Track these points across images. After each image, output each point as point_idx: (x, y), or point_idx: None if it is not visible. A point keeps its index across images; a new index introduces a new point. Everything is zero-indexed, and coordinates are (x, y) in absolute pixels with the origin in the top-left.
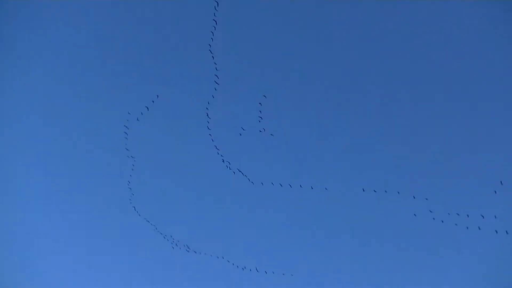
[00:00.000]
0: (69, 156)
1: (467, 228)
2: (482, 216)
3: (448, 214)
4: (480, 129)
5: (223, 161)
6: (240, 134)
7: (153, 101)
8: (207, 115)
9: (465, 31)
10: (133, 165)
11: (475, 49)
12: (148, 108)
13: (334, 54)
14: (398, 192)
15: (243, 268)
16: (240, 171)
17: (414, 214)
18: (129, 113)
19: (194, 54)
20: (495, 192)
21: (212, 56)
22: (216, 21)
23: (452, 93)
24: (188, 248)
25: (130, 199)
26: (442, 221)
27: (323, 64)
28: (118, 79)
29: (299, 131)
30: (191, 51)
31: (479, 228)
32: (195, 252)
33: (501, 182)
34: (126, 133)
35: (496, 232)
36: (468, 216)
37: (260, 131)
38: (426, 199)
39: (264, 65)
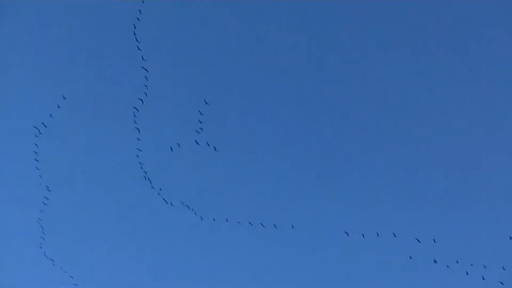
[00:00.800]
0: None
1: (483, 279)
2: (503, 268)
3: (457, 262)
4: (495, 165)
5: (152, 187)
6: (172, 150)
7: (58, 106)
8: (137, 130)
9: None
10: (45, 197)
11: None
12: (51, 115)
13: (292, 53)
14: (394, 235)
15: None
16: (183, 204)
17: (410, 257)
18: (35, 127)
19: (117, 51)
20: (511, 238)
21: (139, 47)
22: (138, 18)
23: (464, 125)
24: None
25: (41, 243)
26: (448, 266)
27: (280, 64)
28: (28, 82)
29: (254, 146)
30: (112, 48)
31: (502, 284)
32: None
33: None
34: (36, 152)
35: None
36: (485, 267)
37: (199, 145)
38: (434, 240)
39: (205, 66)
